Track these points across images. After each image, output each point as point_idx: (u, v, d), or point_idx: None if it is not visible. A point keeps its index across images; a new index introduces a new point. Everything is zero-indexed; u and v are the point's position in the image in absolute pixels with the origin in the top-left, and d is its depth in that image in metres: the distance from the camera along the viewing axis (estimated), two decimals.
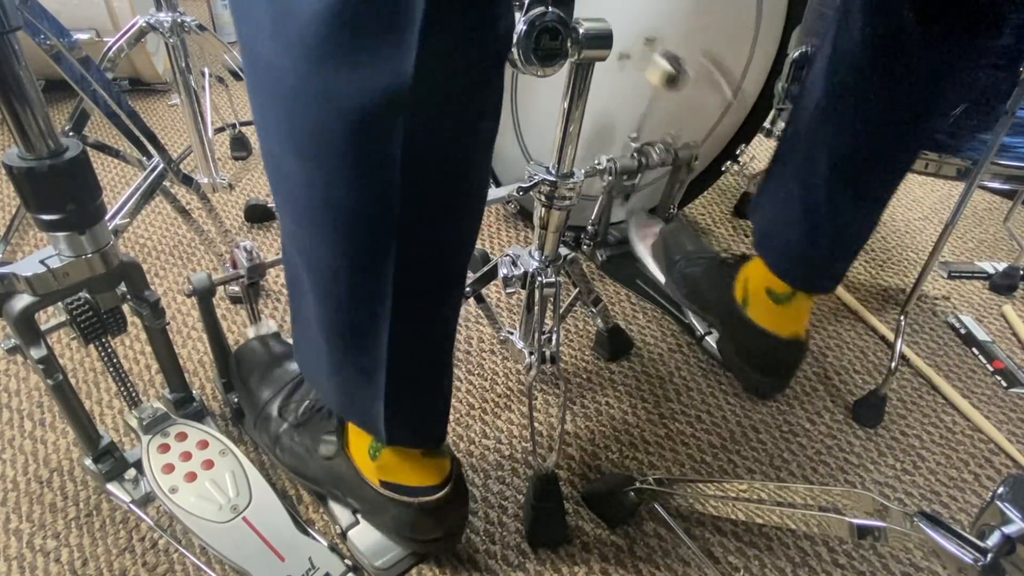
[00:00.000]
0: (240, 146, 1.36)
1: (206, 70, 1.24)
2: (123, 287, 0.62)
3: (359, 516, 0.65)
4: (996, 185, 1.29)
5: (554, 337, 0.75)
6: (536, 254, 0.73)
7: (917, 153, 0.81)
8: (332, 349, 0.52)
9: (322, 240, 0.44)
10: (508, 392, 0.84)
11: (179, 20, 0.93)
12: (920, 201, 1.37)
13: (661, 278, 0.99)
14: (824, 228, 0.73)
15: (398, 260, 0.42)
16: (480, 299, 0.84)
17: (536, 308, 0.73)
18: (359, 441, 0.61)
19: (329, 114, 0.37)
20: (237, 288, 0.93)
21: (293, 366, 0.74)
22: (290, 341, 0.79)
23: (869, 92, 0.65)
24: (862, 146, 0.68)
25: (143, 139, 0.81)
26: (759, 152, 1.39)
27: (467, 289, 0.80)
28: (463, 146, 0.41)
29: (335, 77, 0.36)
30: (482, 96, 0.40)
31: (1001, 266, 1.13)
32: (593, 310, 0.88)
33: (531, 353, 0.79)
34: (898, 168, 0.71)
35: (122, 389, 0.68)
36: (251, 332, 0.80)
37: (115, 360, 0.66)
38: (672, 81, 0.87)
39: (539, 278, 0.72)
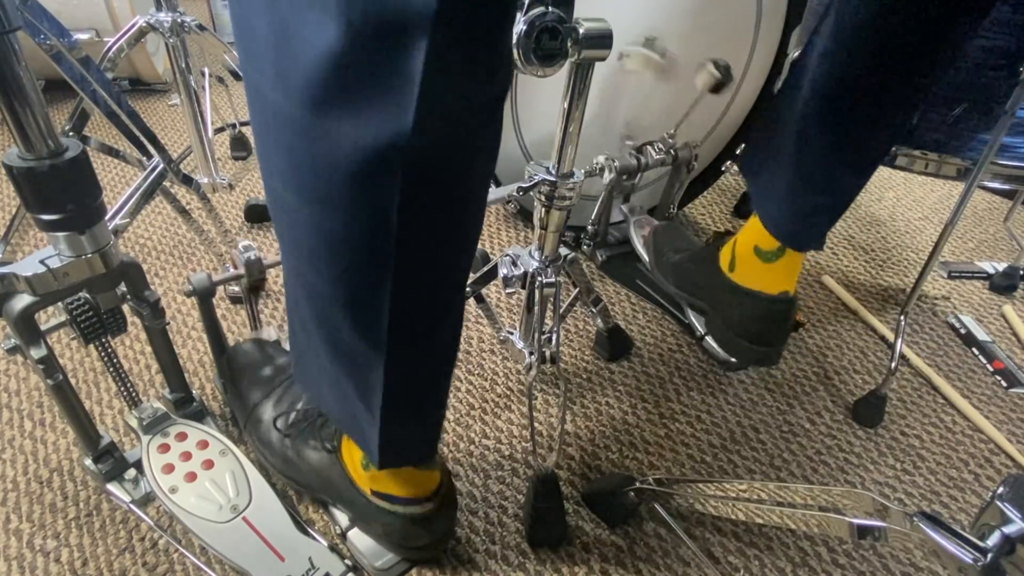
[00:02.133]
0: (240, 146, 1.36)
1: (206, 70, 1.24)
2: (123, 287, 0.62)
3: None
4: (996, 185, 1.29)
5: (554, 337, 0.75)
6: (536, 254, 0.73)
7: (908, 118, 0.80)
8: (332, 372, 0.53)
9: (320, 273, 0.45)
10: (508, 392, 0.84)
11: (179, 20, 0.93)
12: (920, 201, 1.37)
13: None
14: (812, 181, 0.73)
15: (393, 292, 0.43)
16: (480, 299, 0.84)
17: (536, 308, 0.73)
18: (353, 450, 0.61)
19: (330, 159, 0.38)
20: (237, 288, 0.93)
21: (285, 368, 0.74)
22: (286, 348, 0.79)
23: (864, 55, 0.65)
24: (854, 109, 0.68)
25: (143, 139, 0.81)
26: None
27: (467, 289, 0.80)
28: (459, 186, 0.42)
29: (336, 125, 0.36)
30: (480, 138, 0.41)
31: (1001, 266, 1.13)
32: (593, 310, 0.88)
33: (531, 353, 0.79)
34: (888, 131, 0.70)
35: (122, 389, 0.68)
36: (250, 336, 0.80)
37: (115, 360, 0.66)
38: (719, 87, 0.87)
39: (539, 278, 0.72)
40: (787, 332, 0.84)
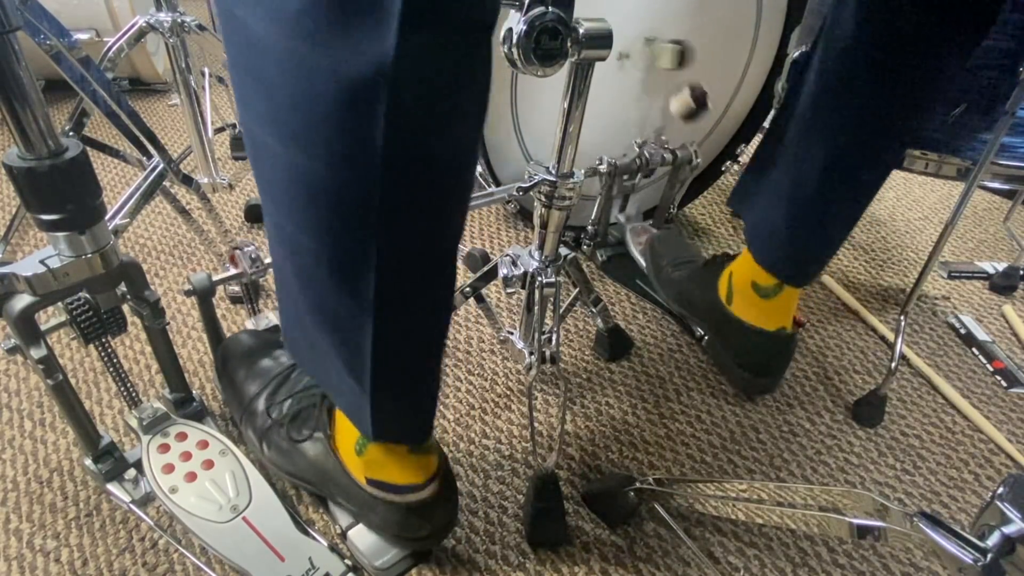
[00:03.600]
0: (240, 146, 1.36)
1: (206, 70, 1.24)
2: (123, 287, 0.62)
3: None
4: (996, 185, 1.29)
5: (554, 337, 0.75)
6: (536, 254, 0.73)
7: (904, 149, 0.81)
8: (319, 339, 0.52)
9: (303, 224, 0.43)
10: (508, 392, 0.84)
11: (179, 20, 0.93)
12: (920, 201, 1.37)
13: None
14: (809, 218, 0.73)
15: (380, 244, 0.41)
16: (480, 299, 0.84)
17: (536, 308, 0.73)
18: (346, 437, 0.61)
19: (309, 92, 0.37)
20: (237, 288, 0.93)
21: (282, 359, 0.73)
22: None
23: (859, 86, 0.65)
24: (851, 140, 0.68)
25: (143, 139, 0.81)
26: None
27: (467, 289, 0.80)
28: (446, 130, 0.40)
29: (315, 52, 0.35)
30: (466, 82, 0.39)
31: (1001, 266, 1.13)
32: (593, 310, 0.88)
33: (531, 353, 0.79)
34: (884, 163, 0.71)
35: (122, 389, 0.68)
36: (250, 325, 0.80)
37: (115, 360, 0.66)
38: (683, 59, 0.87)
39: (539, 278, 0.72)
40: (786, 363, 0.85)
